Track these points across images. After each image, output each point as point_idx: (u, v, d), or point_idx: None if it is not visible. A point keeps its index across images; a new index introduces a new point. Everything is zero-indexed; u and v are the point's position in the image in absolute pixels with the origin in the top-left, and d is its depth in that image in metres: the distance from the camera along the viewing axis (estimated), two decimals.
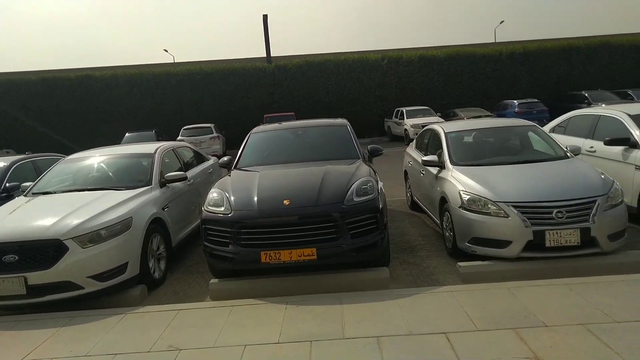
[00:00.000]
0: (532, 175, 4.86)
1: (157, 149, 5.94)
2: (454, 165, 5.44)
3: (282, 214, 4.18)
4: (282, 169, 5.21)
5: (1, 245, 4.06)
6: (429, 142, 6.74)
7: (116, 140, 19.27)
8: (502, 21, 39.57)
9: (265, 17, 24.28)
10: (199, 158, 7.54)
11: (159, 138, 19.18)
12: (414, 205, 7.36)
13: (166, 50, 47.66)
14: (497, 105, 22.45)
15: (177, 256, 5.82)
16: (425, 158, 5.85)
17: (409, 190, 7.66)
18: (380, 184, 4.89)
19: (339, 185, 4.50)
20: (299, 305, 3.86)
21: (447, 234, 5.22)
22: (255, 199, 4.35)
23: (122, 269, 4.38)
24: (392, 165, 12.58)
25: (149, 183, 5.35)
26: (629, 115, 5.98)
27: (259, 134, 6.24)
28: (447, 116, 21.02)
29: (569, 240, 4.27)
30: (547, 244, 4.29)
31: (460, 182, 4.99)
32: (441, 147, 5.93)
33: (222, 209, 4.38)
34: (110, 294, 4.39)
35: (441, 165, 5.64)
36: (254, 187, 4.57)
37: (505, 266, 4.43)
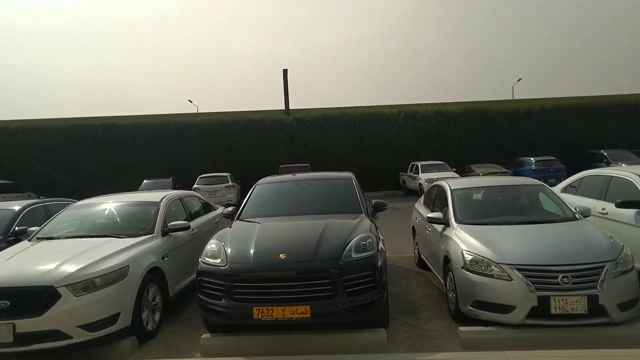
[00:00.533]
0: (538, 236, 4.71)
1: (163, 198, 6.01)
2: (458, 223, 5.33)
3: (277, 268, 4.10)
4: (283, 221, 5.19)
5: None
6: (436, 198, 6.66)
7: (135, 186, 19.66)
8: (520, 79, 40.10)
9: (285, 71, 25.15)
10: (207, 207, 7.57)
11: (175, 185, 19.49)
12: (422, 263, 7.18)
13: (191, 101, 49.56)
14: (514, 162, 22.32)
15: (175, 307, 5.72)
16: (430, 215, 5.76)
17: (417, 247, 7.51)
18: (381, 241, 4.80)
19: (337, 240, 4.43)
20: None
21: (450, 295, 5.04)
22: (252, 251, 4.30)
23: (113, 319, 4.31)
24: (404, 220, 12.40)
25: (151, 231, 5.37)
26: None
27: (264, 185, 6.27)
28: (463, 171, 20.94)
29: (576, 307, 4.06)
30: (553, 311, 4.08)
31: (464, 241, 4.86)
32: (447, 204, 5.84)
33: (219, 260, 4.34)
34: (99, 345, 4.30)
35: (446, 223, 5.53)
36: (252, 239, 4.54)
37: (508, 333, 4.21)
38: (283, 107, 25.70)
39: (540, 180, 19.53)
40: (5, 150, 23.09)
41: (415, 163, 21.04)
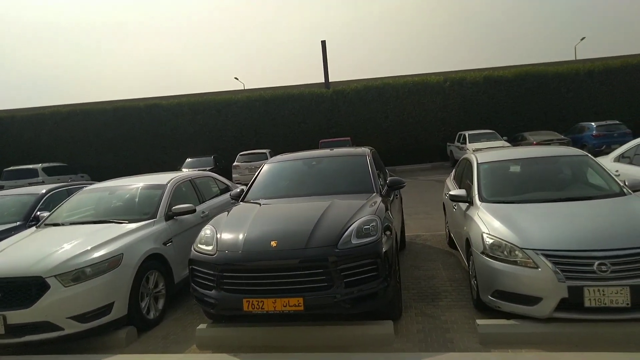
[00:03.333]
0: (573, 215, 4.05)
1: (170, 180, 5.80)
2: (482, 202, 4.74)
3: (266, 257, 3.75)
4: (284, 203, 4.82)
5: None
6: (464, 173, 6.03)
7: (178, 165, 20.05)
8: (583, 38, 36.87)
9: (323, 43, 24.41)
10: (225, 188, 7.34)
11: (216, 163, 19.65)
12: (452, 242, 6.61)
13: (237, 78, 49.73)
14: (572, 128, 20.58)
15: (185, 292, 5.56)
16: (453, 192, 5.19)
17: (447, 225, 6.93)
18: (390, 223, 4.31)
19: (336, 224, 4.00)
20: None
21: (472, 281, 4.50)
22: (241, 238, 3.98)
23: (106, 309, 4.16)
24: None
25: (153, 216, 5.18)
26: None
27: (273, 164, 5.90)
28: (515, 140, 19.59)
29: (615, 300, 3.43)
30: (587, 304, 3.48)
31: (486, 222, 4.28)
32: (472, 180, 5.23)
33: (210, 248, 4.05)
34: (94, 336, 4.18)
35: (470, 201, 4.95)
36: (246, 224, 4.21)
37: (533, 328, 3.66)
38: (323, 80, 25.08)
39: (602, 146, 17.97)
40: (58, 133, 24.19)
41: (463, 132, 19.91)
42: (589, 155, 5.24)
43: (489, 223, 4.24)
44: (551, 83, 22.67)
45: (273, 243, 3.83)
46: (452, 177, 6.96)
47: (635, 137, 16.40)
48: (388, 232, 4.11)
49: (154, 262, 4.77)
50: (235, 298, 3.75)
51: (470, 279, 4.64)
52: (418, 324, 4.22)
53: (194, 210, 5.47)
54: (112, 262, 4.27)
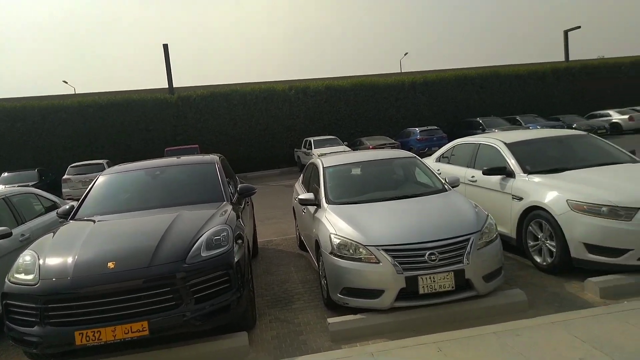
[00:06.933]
0: (406, 212, 4.47)
1: None
2: (329, 203, 4.95)
3: (102, 281, 3.35)
4: (124, 219, 4.39)
5: None
6: (311, 177, 6.25)
7: None
8: (406, 53, 41.77)
9: (165, 46, 23.17)
10: (51, 206, 6.41)
11: (42, 177, 17.23)
12: (302, 245, 6.79)
13: (66, 82, 44.21)
14: (401, 132, 23.07)
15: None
16: (302, 196, 5.32)
17: (297, 228, 7.10)
18: (240, 232, 4.22)
19: (184, 237, 3.77)
20: None
21: (322, 281, 4.66)
22: (71, 262, 3.49)
23: None
24: None
25: None
26: (505, 143, 5.91)
27: (110, 176, 5.34)
28: (354, 145, 21.19)
29: (443, 285, 3.87)
30: (421, 291, 3.86)
31: (333, 224, 4.47)
32: (319, 183, 5.44)
33: (30, 277, 3.47)
34: None
35: (318, 204, 5.13)
36: (77, 245, 3.71)
37: (378, 319, 3.92)
38: (166, 86, 23.83)
39: (424, 149, 20.39)
40: None
41: (308, 139, 20.81)
42: (417, 156, 5.87)
43: (335, 224, 4.43)
44: (382, 93, 25.09)
45: (110, 264, 3.44)
46: (300, 182, 7.16)
47: (450, 140, 19.19)
48: (240, 241, 4.02)
49: None
50: (64, 332, 3.28)
51: (320, 279, 4.79)
52: (272, 330, 4.21)
53: (10, 234, 4.65)
54: None
